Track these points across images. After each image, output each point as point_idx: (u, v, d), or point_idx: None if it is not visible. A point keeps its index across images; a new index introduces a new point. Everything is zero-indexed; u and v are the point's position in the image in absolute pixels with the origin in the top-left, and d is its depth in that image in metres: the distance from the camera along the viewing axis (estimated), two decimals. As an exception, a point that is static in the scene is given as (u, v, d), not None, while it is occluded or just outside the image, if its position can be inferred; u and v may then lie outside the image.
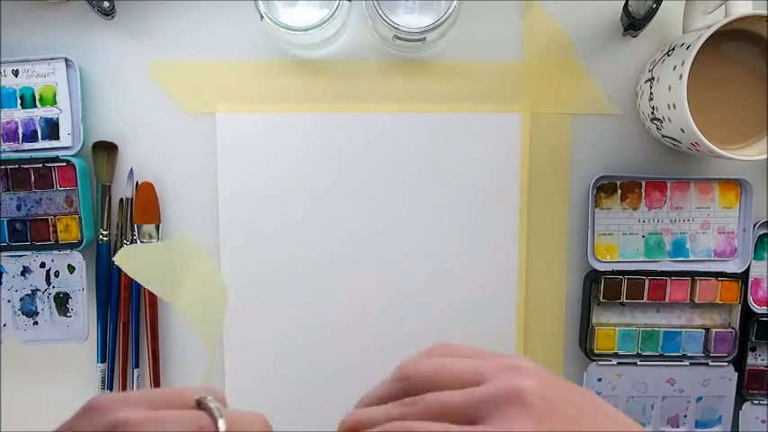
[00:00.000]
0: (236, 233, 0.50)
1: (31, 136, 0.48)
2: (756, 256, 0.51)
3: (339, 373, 0.52)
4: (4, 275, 0.49)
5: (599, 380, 0.51)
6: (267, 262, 0.51)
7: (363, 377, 0.52)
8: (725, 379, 0.51)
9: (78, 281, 0.49)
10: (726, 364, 0.51)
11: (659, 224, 0.50)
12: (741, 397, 0.52)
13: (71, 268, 0.49)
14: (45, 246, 0.49)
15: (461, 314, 0.51)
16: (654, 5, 0.46)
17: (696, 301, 0.50)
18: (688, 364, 0.51)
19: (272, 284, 0.51)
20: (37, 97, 0.48)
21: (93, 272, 0.50)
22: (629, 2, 0.46)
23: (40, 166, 0.48)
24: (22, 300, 0.50)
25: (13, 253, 0.49)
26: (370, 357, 0.52)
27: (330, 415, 0.53)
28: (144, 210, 0.50)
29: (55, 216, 0.49)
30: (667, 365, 0.51)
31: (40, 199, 0.49)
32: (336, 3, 0.43)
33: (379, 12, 0.43)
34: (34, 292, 0.50)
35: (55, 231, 0.49)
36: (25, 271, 0.49)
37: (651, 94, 0.45)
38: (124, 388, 0.51)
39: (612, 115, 0.50)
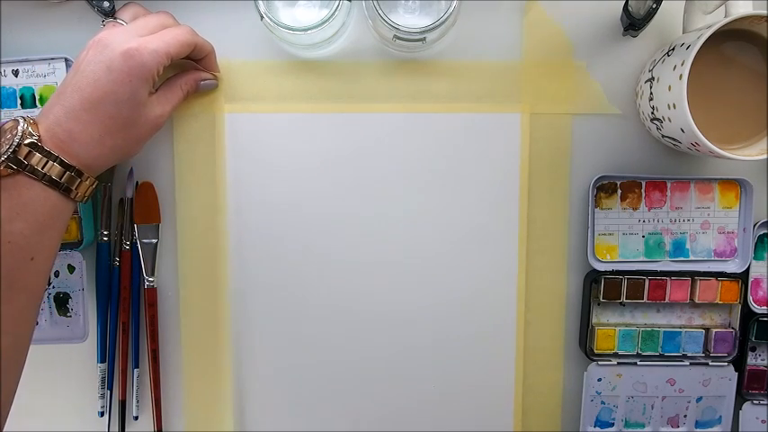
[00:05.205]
0: (240, 231, 0.50)
1: (31, 136, 0.48)
2: (756, 256, 0.51)
3: (344, 370, 0.52)
4: (4, 275, 0.49)
5: (599, 380, 0.51)
6: (271, 260, 0.51)
7: (367, 373, 0.52)
8: (725, 379, 0.51)
9: (78, 281, 0.49)
10: (726, 364, 0.51)
11: (659, 224, 0.50)
12: (741, 397, 0.52)
13: (71, 268, 0.49)
14: (45, 246, 0.49)
15: (461, 314, 0.51)
16: (654, 5, 0.46)
17: (696, 301, 0.50)
18: (688, 364, 0.51)
19: (277, 283, 0.51)
20: (37, 97, 0.48)
21: (93, 272, 0.50)
22: (629, 2, 0.46)
23: (40, 166, 0.48)
24: (22, 300, 0.50)
25: (13, 253, 0.49)
26: (372, 353, 0.52)
27: (335, 413, 0.53)
28: (144, 210, 0.50)
29: (55, 216, 0.49)
30: (667, 365, 0.51)
31: (40, 199, 0.49)
32: (336, 3, 0.43)
33: (379, 12, 0.43)
34: (34, 292, 0.49)
35: (55, 231, 0.49)
36: (25, 271, 0.49)
37: (651, 94, 0.45)
38: (124, 388, 0.51)
39: (612, 115, 0.50)
